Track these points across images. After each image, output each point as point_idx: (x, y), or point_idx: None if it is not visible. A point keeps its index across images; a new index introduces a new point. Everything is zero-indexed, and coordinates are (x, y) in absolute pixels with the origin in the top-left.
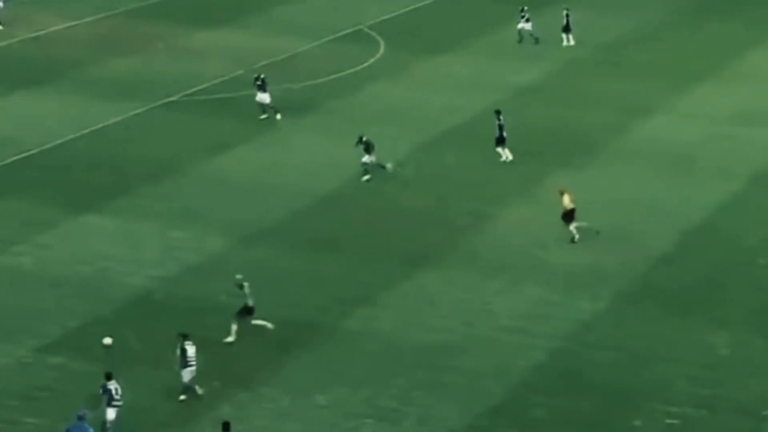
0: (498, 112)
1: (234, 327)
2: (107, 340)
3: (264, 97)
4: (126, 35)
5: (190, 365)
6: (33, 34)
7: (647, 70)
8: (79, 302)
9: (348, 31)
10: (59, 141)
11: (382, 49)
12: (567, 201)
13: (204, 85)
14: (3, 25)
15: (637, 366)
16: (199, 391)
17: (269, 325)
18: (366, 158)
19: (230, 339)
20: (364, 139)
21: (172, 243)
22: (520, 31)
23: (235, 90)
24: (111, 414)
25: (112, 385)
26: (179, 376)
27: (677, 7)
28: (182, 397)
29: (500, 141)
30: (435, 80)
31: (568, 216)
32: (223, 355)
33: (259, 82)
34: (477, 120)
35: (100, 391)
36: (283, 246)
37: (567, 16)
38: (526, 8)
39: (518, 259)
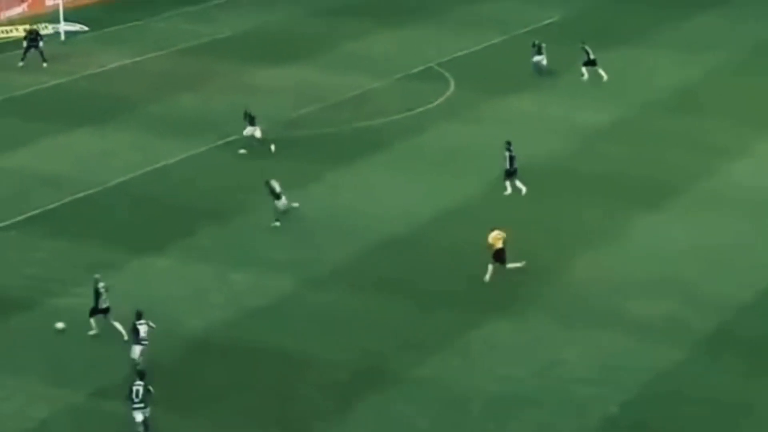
0: (509, 143)
1: (92, 322)
2: (60, 325)
3: (252, 130)
4: (189, 72)
5: (143, 343)
6: (95, 71)
7: (728, 111)
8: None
9: (418, 68)
10: (121, 179)
11: (452, 88)
12: (492, 239)
13: (269, 124)
14: (47, 62)
15: (719, 420)
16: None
17: (125, 334)
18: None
19: (93, 332)
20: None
21: (234, 285)
22: (537, 64)
23: (300, 128)
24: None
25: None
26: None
27: (756, 46)
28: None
29: (510, 173)
30: (505, 120)
31: (498, 256)
32: (283, 402)
33: (248, 117)
34: (548, 161)
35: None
36: (349, 288)
37: (586, 50)
38: (537, 42)
39: (593, 306)
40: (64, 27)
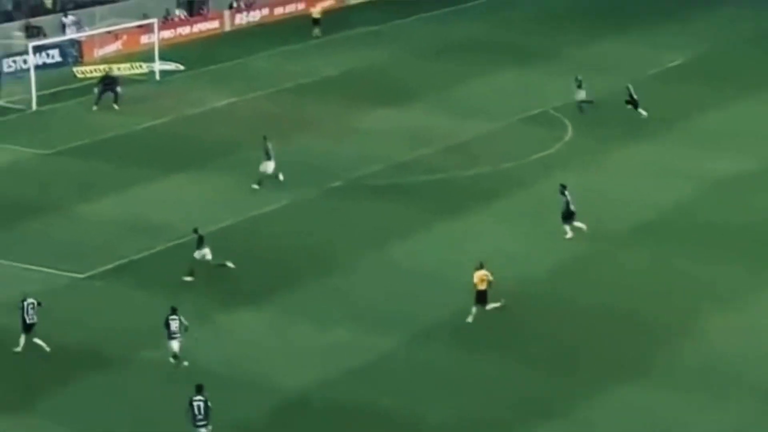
0: (563, 186)
1: (22, 339)
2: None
3: (269, 166)
4: (290, 114)
5: (174, 337)
6: (191, 112)
7: None
8: (226, 406)
9: (533, 112)
10: (216, 227)
11: (569, 133)
12: (477, 279)
13: (375, 168)
14: (119, 105)
15: None
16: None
17: (47, 347)
18: (197, 253)
19: (18, 349)
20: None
21: (334, 341)
22: (579, 102)
23: (408, 174)
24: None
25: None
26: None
27: None
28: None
29: (567, 217)
30: (626, 169)
31: (480, 297)
32: None
33: (266, 150)
34: (673, 213)
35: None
36: (456, 346)
37: (629, 90)
38: (579, 77)
39: (724, 370)
40: (159, 66)
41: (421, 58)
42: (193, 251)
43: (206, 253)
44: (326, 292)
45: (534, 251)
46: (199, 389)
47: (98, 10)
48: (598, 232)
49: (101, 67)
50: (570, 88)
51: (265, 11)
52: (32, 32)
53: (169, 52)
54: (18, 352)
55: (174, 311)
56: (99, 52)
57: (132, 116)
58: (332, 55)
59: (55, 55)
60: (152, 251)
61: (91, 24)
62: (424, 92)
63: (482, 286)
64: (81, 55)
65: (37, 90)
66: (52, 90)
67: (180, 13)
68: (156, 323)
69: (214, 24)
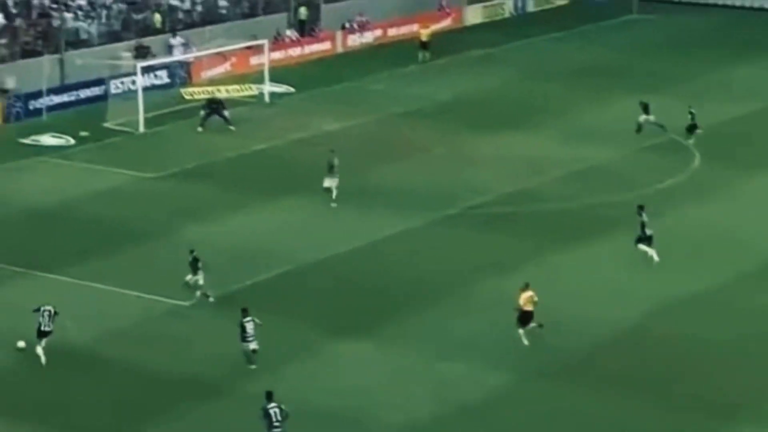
0: (640, 208)
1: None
2: (21, 344)
3: (333, 182)
4: (405, 138)
5: (248, 340)
6: (301, 136)
7: None
8: None
9: (657, 140)
10: (324, 256)
11: (697, 161)
12: (523, 301)
13: (488, 197)
14: (233, 125)
15: None
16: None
17: (44, 360)
18: (189, 278)
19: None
20: (194, 254)
21: (444, 377)
22: (641, 125)
23: (523, 203)
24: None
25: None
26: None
27: None
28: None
29: (642, 240)
30: (758, 200)
31: (525, 318)
32: None
33: (331, 165)
34: None
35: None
36: (577, 385)
37: (692, 114)
38: (644, 101)
39: None
40: (269, 88)
41: (536, 82)
42: (204, 275)
43: (199, 278)
44: (436, 324)
45: (656, 285)
46: (269, 396)
47: (207, 30)
48: (729, 268)
49: (209, 88)
50: (683, 116)
51: (378, 32)
52: (141, 53)
53: (279, 73)
54: (43, 366)
55: (245, 312)
56: (207, 74)
57: (241, 139)
58: (446, 78)
59: (163, 76)
60: (256, 279)
61: (200, 44)
62: (540, 118)
63: (528, 307)
64: (189, 77)
65: (145, 112)
66: (160, 112)
67: (291, 33)
68: (264, 352)
69: (326, 45)
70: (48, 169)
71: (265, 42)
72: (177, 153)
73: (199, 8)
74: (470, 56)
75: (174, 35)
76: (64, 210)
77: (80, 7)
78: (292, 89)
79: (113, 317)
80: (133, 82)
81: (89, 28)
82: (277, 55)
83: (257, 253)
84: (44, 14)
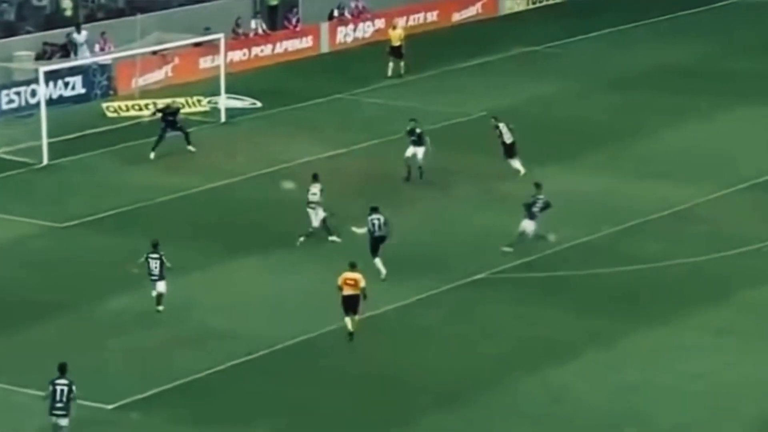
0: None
1: None
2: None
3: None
4: (413, 172)
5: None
6: (269, 169)
7: None
8: None
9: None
10: (305, 338)
11: None
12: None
13: (531, 255)
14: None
15: None
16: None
17: None
18: None
19: None
20: None
21: None
22: None
23: (580, 264)
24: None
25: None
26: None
27: None
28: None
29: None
30: None
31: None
32: None
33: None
34: None
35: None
36: None
37: None
38: None
39: None
40: (226, 102)
41: (599, 93)
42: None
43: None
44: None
45: None
46: (62, 369)
47: (139, 20)
48: None
49: (142, 102)
50: None
51: (380, 23)
52: (47, 52)
53: (240, 81)
54: None
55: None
56: (139, 81)
57: (184, 174)
58: (473, 88)
59: (76, 85)
60: (211, 370)
61: (128, 40)
62: (611, 142)
63: (348, 291)
64: (114, 86)
65: (50, 135)
66: (72, 135)
67: (257, 25)
68: None
69: (307, 42)
70: None
71: (220, 37)
72: (94, 193)
73: None
74: (507, 57)
75: (78, 29)
76: None
77: None
78: (258, 104)
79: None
80: (34, 94)
81: None
82: (238, 55)
83: (207, 334)
84: None
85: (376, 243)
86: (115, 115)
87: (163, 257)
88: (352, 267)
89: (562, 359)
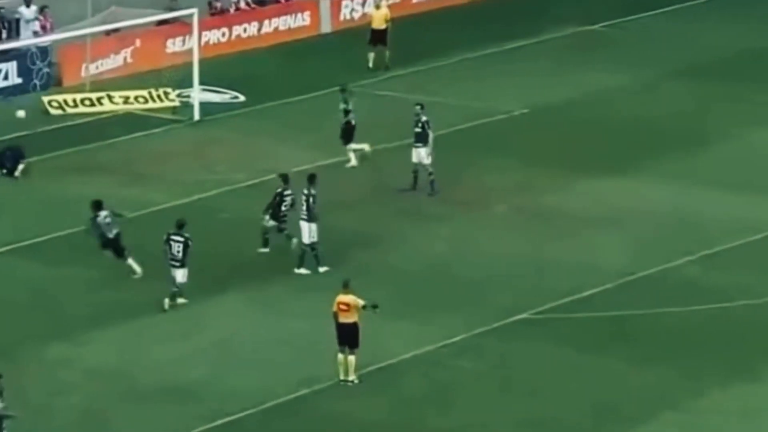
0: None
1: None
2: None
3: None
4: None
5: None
6: (252, 181)
7: None
8: None
9: None
10: (300, 394)
11: None
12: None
13: (587, 291)
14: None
15: None
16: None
17: None
18: None
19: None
20: None
21: None
22: None
23: (649, 302)
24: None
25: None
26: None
27: None
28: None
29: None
30: None
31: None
32: None
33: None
34: None
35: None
36: None
37: None
38: None
39: None
40: (199, 95)
41: (670, 83)
42: None
43: None
44: None
45: None
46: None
47: None
48: None
49: (94, 95)
50: None
51: None
52: None
53: (217, 69)
54: None
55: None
56: (90, 69)
57: (145, 186)
58: (509, 77)
59: (10, 74)
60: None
61: (77, 18)
62: (684, 146)
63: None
64: (57, 75)
65: None
66: (5, 137)
67: None
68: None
69: (302, 20)
70: None
71: (193, 13)
72: (30, 211)
73: None
74: (554, 40)
75: (28, 3)
76: None
77: None
78: (240, 97)
79: None
80: None
81: None
82: (215, 36)
83: (177, 392)
84: None
85: None
86: (59, 112)
87: (189, 240)
88: (345, 287)
89: (624, 425)
